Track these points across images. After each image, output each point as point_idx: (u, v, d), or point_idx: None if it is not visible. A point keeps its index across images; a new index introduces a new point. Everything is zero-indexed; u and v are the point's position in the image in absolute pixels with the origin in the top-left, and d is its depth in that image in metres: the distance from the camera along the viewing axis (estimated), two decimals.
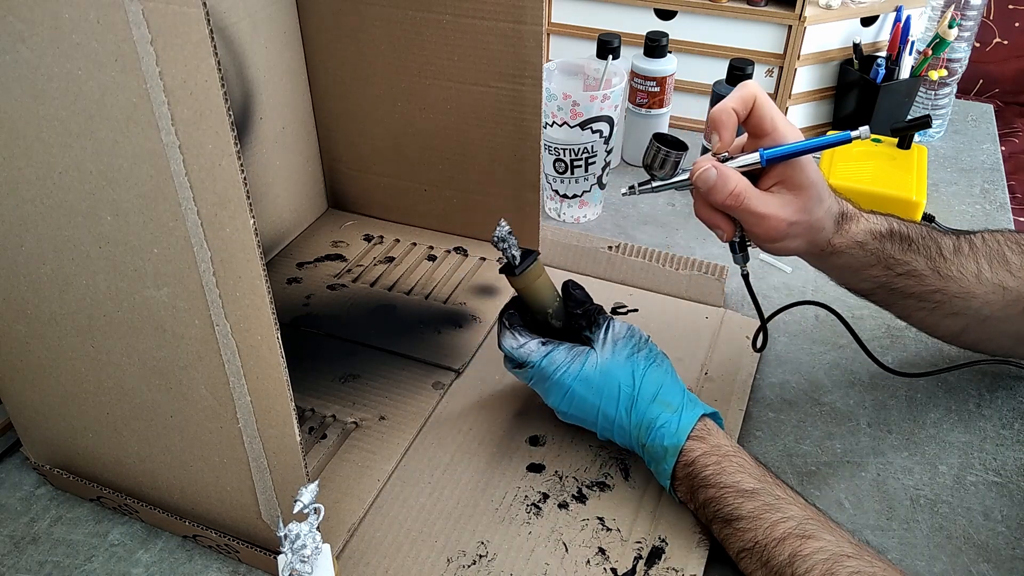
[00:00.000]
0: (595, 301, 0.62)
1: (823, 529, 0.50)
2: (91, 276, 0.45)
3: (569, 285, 0.63)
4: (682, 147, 0.59)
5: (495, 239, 0.59)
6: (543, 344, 0.60)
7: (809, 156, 0.57)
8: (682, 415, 0.57)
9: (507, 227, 0.59)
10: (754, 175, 0.58)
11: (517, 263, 0.60)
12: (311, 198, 0.90)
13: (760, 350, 0.68)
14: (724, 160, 0.58)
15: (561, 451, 0.63)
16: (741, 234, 0.61)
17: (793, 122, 1.07)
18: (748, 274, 0.63)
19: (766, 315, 0.66)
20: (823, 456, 0.64)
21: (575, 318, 0.62)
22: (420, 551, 0.56)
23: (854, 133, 0.56)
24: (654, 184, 0.61)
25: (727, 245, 0.62)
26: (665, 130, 1.02)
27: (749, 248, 0.62)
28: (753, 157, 0.57)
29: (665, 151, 0.59)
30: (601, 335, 0.60)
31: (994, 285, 0.60)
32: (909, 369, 0.71)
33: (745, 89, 0.57)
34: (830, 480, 0.62)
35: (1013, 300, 0.60)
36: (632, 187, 0.62)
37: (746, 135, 0.60)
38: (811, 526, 0.50)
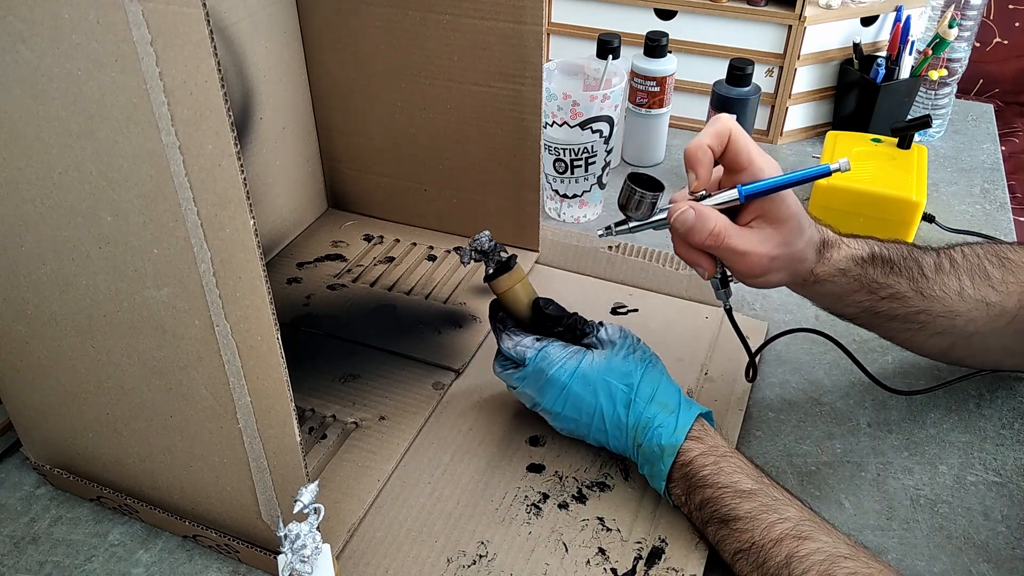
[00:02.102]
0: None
1: (820, 531, 0.50)
2: (91, 276, 0.45)
3: (539, 303, 0.62)
4: (658, 187, 0.58)
5: (474, 244, 0.60)
6: (538, 340, 0.60)
7: (788, 189, 0.56)
8: (679, 415, 0.57)
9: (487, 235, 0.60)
10: (733, 210, 0.57)
11: (501, 263, 0.61)
12: (311, 198, 0.90)
13: (751, 380, 0.68)
14: (701, 198, 0.57)
15: (561, 451, 0.63)
16: (723, 270, 0.60)
17: (793, 122, 1.08)
18: (731, 308, 0.63)
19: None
20: (823, 456, 0.64)
21: (558, 336, 0.62)
22: (420, 551, 0.56)
23: (833, 166, 0.56)
24: (631, 225, 0.60)
25: (710, 281, 0.61)
26: (665, 131, 1.02)
27: (731, 283, 0.61)
28: (731, 194, 0.56)
29: (640, 193, 0.58)
30: (596, 337, 0.61)
31: (977, 301, 0.60)
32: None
33: (719, 124, 0.56)
34: (830, 480, 0.62)
35: (997, 315, 0.60)
36: (609, 227, 0.61)
37: (721, 168, 0.59)
38: (808, 527, 0.50)
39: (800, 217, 0.57)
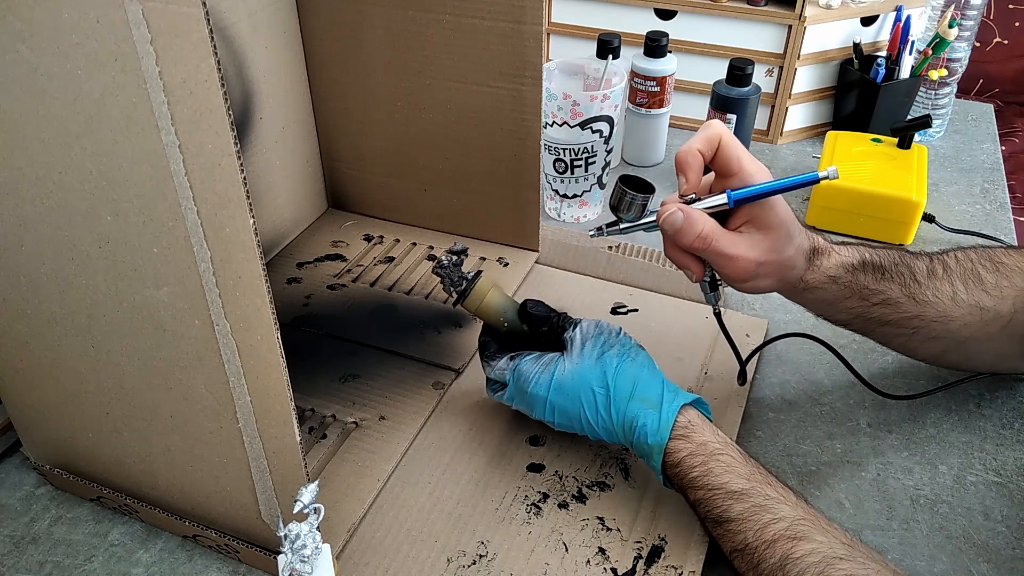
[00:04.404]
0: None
1: (815, 530, 0.49)
2: (91, 276, 0.45)
3: (527, 305, 0.62)
4: (649, 189, 0.59)
5: (436, 267, 0.61)
6: (511, 359, 0.60)
7: (778, 195, 0.57)
8: (661, 411, 0.56)
9: (455, 255, 0.61)
10: (723, 215, 0.58)
11: (459, 290, 0.61)
12: (311, 198, 0.90)
13: (742, 384, 0.68)
14: (691, 201, 0.58)
15: (561, 451, 0.63)
16: (712, 274, 0.61)
17: (793, 122, 1.08)
18: (720, 312, 0.64)
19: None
20: (823, 456, 0.64)
21: (543, 336, 0.62)
22: (420, 551, 0.56)
23: (822, 174, 0.56)
24: (622, 226, 0.61)
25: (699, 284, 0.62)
26: (665, 130, 1.02)
27: (721, 287, 0.62)
28: (720, 198, 0.57)
29: (631, 195, 0.59)
30: (570, 340, 0.60)
31: (970, 306, 0.60)
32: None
33: (710, 129, 0.57)
34: (830, 480, 0.62)
35: (991, 319, 0.60)
36: (600, 228, 0.62)
37: (713, 174, 0.59)
38: (803, 527, 0.49)
39: (789, 224, 0.58)
